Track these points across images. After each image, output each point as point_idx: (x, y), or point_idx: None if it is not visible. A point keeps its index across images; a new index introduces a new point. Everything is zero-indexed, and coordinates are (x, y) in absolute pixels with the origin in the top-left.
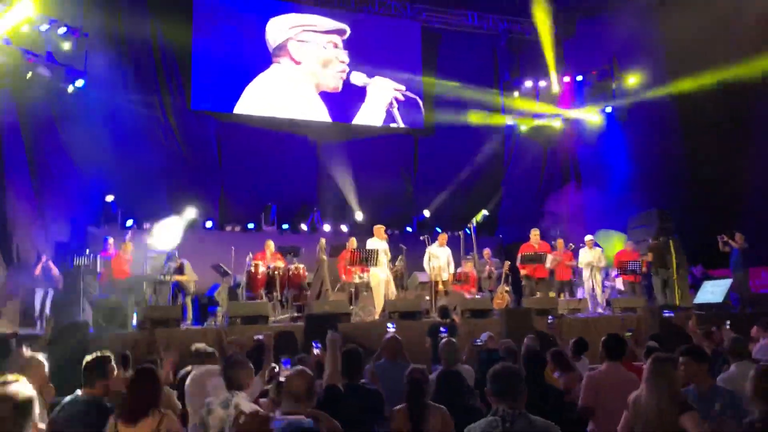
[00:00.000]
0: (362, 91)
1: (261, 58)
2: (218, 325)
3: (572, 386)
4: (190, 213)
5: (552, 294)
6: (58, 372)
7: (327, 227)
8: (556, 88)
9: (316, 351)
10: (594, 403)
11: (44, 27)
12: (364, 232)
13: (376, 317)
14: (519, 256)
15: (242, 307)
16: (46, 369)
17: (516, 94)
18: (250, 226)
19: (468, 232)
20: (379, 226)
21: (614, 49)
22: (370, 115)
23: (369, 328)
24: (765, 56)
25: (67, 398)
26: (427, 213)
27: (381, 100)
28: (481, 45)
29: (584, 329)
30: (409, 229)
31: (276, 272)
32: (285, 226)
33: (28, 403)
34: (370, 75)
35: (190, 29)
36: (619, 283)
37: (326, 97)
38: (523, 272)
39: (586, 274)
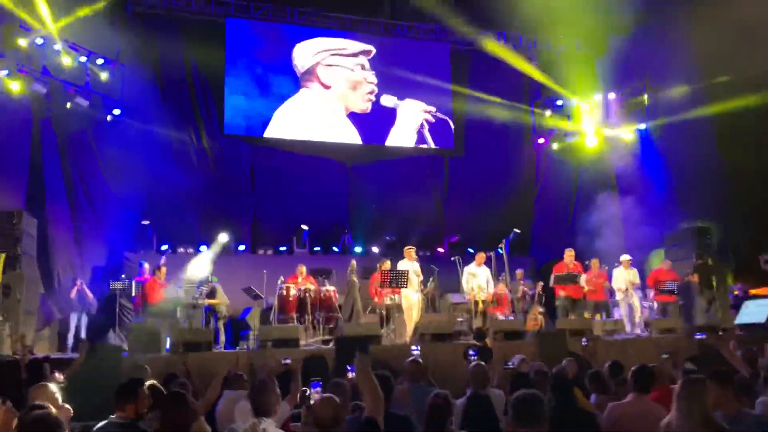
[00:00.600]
0: (393, 113)
1: (292, 83)
2: (250, 349)
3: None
4: (223, 238)
5: (587, 315)
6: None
7: (358, 249)
8: (587, 106)
9: (351, 375)
10: None
11: (83, 59)
12: (395, 253)
13: (408, 339)
14: (552, 276)
15: (273, 330)
16: (57, 394)
17: (547, 112)
18: (282, 249)
19: (500, 252)
20: (409, 247)
21: (646, 66)
22: (400, 136)
23: (400, 351)
24: None
25: (101, 424)
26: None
27: (411, 121)
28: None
29: (621, 351)
30: (440, 249)
31: (307, 295)
32: (316, 249)
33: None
34: (401, 97)
35: (222, 56)
36: (656, 304)
37: (356, 119)
38: (560, 293)
39: (620, 294)
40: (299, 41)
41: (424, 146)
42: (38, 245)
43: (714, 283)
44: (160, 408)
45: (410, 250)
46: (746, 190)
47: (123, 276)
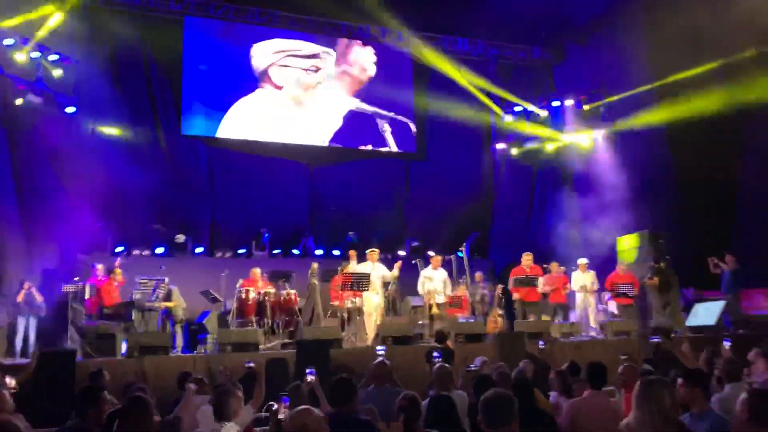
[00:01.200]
0: (354, 116)
1: (250, 84)
2: (208, 352)
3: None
4: (179, 239)
5: (545, 317)
6: (43, 402)
7: (319, 252)
8: (545, 112)
9: (310, 378)
10: (572, 429)
11: (35, 54)
12: (357, 255)
13: (369, 342)
14: (511, 279)
15: (232, 334)
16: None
17: (506, 118)
18: (241, 251)
19: (460, 255)
20: (372, 250)
21: (603, 73)
22: (362, 139)
23: (361, 354)
24: (756, 81)
25: (54, 429)
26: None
27: (373, 124)
28: (471, 71)
29: (577, 353)
30: (401, 252)
31: (267, 298)
32: (276, 251)
33: None
34: (362, 100)
35: (180, 54)
36: (612, 306)
37: (316, 120)
38: (515, 296)
39: (579, 297)
40: (258, 41)
41: (386, 149)
42: None
43: (668, 287)
44: (122, 413)
45: (373, 253)
46: (697, 194)
47: (76, 278)
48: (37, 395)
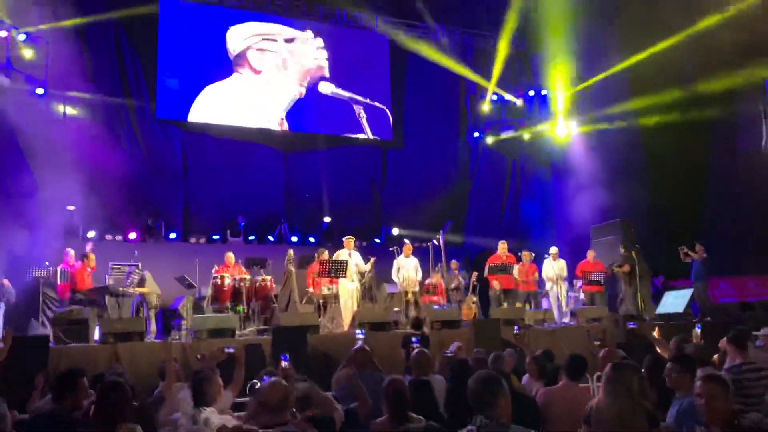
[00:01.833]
0: (330, 101)
1: (226, 68)
2: (182, 339)
3: None
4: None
5: (519, 305)
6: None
7: (294, 239)
8: (521, 101)
9: (284, 364)
10: (543, 417)
11: (2, 34)
12: (332, 243)
13: (345, 329)
14: (486, 267)
15: (208, 320)
16: None
17: (484, 107)
18: (216, 237)
19: (436, 243)
20: (348, 237)
21: (578, 64)
22: (338, 125)
23: (338, 340)
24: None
25: (29, 415)
26: (395, 231)
27: (349, 110)
28: (447, 58)
29: (551, 340)
30: (377, 240)
31: (242, 284)
32: (251, 238)
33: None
34: (339, 85)
35: (155, 37)
36: (582, 294)
37: (293, 106)
38: (496, 284)
39: (549, 285)
40: (233, 24)
41: (362, 136)
42: None
43: (638, 275)
44: (97, 398)
45: (349, 240)
46: (668, 184)
47: (47, 263)
48: (9, 381)
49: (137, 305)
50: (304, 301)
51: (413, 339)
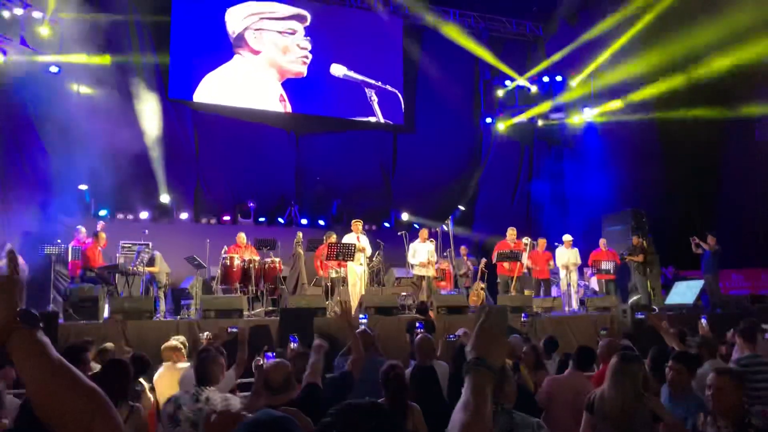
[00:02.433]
0: (342, 84)
1: (231, 50)
2: (191, 318)
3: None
4: (164, 198)
5: (528, 292)
6: None
7: (304, 221)
8: (536, 87)
9: (293, 345)
10: (546, 405)
11: (18, 11)
12: (341, 226)
13: (352, 312)
14: (495, 253)
15: (216, 300)
16: None
17: (498, 92)
18: (226, 218)
19: (445, 229)
20: (356, 220)
21: (594, 51)
22: (350, 109)
23: (343, 323)
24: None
25: None
26: (405, 216)
27: (361, 94)
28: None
29: (557, 328)
30: (387, 224)
31: (251, 266)
32: (261, 219)
33: None
34: (351, 68)
35: (169, 17)
36: (594, 283)
37: (298, 87)
38: (507, 266)
39: (562, 273)
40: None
41: (373, 119)
42: None
43: (649, 265)
44: (101, 375)
45: (357, 224)
46: (681, 174)
47: (59, 241)
48: None
49: (147, 284)
50: (312, 284)
51: (417, 324)
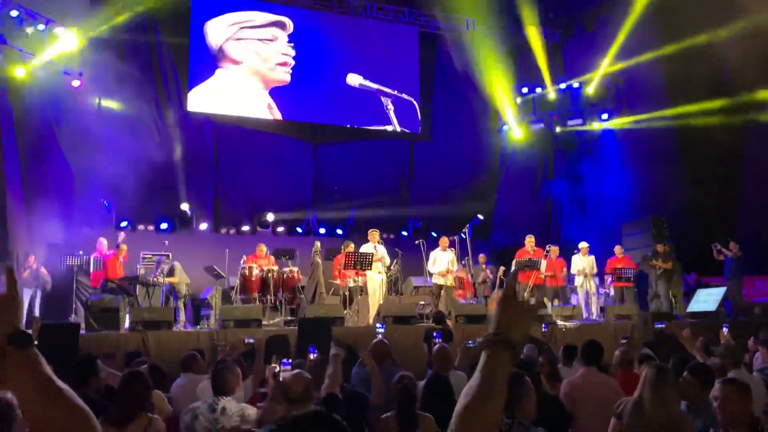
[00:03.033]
0: (358, 93)
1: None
2: (210, 328)
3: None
4: (184, 206)
5: (547, 300)
6: None
7: (322, 230)
8: (553, 95)
9: (312, 356)
10: (572, 408)
11: (41, 27)
12: (359, 235)
13: (370, 321)
14: (514, 262)
15: (235, 310)
16: None
17: (514, 99)
18: (245, 228)
19: (463, 237)
20: (373, 230)
21: (612, 58)
22: (366, 118)
23: (362, 332)
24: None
25: None
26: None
27: (377, 103)
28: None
29: (578, 337)
30: (404, 233)
31: (270, 275)
32: (280, 229)
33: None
34: (367, 77)
35: (188, 29)
36: (612, 290)
37: (322, 98)
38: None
39: (579, 280)
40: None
41: (390, 128)
42: None
43: (670, 272)
44: (119, 386)
45: (374, 233)
46: (703, 180)
47: (80, 252)
48: None
49: (167, 294)
50: (330, 293)
51: (435, 334)
